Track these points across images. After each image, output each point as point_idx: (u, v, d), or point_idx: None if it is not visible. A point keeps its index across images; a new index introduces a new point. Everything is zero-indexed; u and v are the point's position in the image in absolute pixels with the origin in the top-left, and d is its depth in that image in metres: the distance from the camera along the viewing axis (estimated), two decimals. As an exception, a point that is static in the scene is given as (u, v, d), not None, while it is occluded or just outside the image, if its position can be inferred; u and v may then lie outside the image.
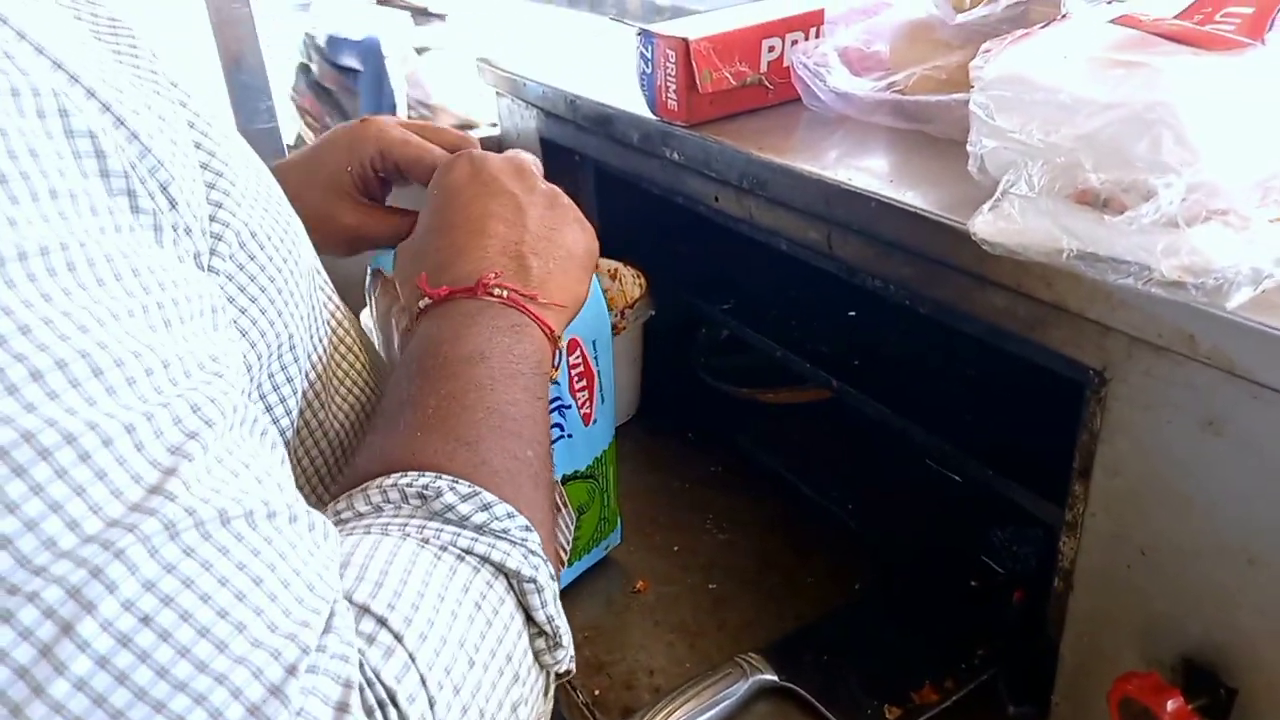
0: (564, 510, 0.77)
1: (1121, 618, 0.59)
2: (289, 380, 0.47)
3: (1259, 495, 0.49)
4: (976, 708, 0.67)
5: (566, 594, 0.79)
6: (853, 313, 0.96)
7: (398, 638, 0.35)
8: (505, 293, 0.53)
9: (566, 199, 0.62)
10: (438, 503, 0.41)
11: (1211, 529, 0.52)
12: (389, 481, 0.43)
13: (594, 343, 0.78)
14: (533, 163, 0.63)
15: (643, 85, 0.82)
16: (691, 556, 0.83)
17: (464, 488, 0.42)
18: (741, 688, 0.66)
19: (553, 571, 0.44)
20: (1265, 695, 0.52)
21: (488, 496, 0.42)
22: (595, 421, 0.78)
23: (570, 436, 0.76)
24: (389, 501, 0.42)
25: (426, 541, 0.40)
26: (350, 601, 0.36)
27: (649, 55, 0.79)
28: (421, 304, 0.53)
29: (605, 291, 1.07)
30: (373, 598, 0.36)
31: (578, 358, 0.77)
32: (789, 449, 0.98)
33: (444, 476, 0.43)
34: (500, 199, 0.58)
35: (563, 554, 0.77)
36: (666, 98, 0.80)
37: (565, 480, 0.76)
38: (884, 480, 0.94)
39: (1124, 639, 0.59)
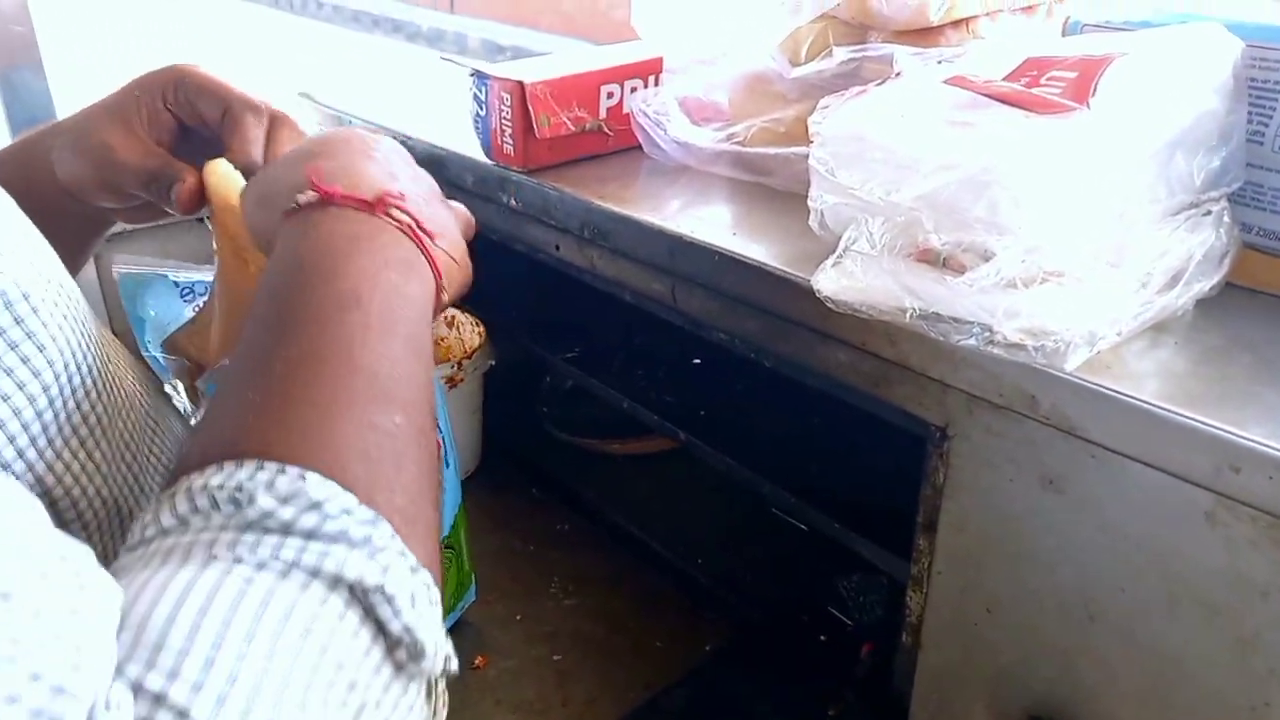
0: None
1: (970, 674, 0.59)
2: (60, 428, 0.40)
3: (1097, 552, 0.50)
4: (831, 771, 0.66)
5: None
6: (698, 361, 0.95)
7: (182, 715, 0.28)
8: (407, 218, 0.45)
9: None
10: (252, 509, 0.34)
11: (1053, 585, 0.52)
12: (199, 482, 0.35)
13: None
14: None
15: (477, 128, 0.78)
16: (535, 625, 0.78)
17: (285, 484, 0.34)
18: (588, 772, 0.62)
19: (415, 563, 0.36)
20: (1108, 749, 0.52)
21: (318, 491, 0.35)
22: (447, 492, 0.72)
23: None
24: (196, 511, 0.34)
25: (239, 562, 0.32)
26: (125, 679, 0.28)
27: (483, 98, 0.76)
28: (301, 199, 0.44)
29: (441, 341, 1.02)
30: (150, 667, 0.29)
31: None
32: (637, 502, 0.95)
33: (266, 466, 0.35)
34: (393, 150, 0.51)
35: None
36: (502, 142, 0.76)
37: None
38: (734, 532, 0.92)
39: (973, 695, 0.59)
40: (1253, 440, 0.41)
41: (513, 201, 0.78)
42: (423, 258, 0.45)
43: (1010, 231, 0.46)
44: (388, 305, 0.42)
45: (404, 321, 0.42)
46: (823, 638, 0.78)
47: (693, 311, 0.69)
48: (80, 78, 1.32)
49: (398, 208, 0.45)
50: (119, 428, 0.45)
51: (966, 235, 0.48)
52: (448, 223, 0.50)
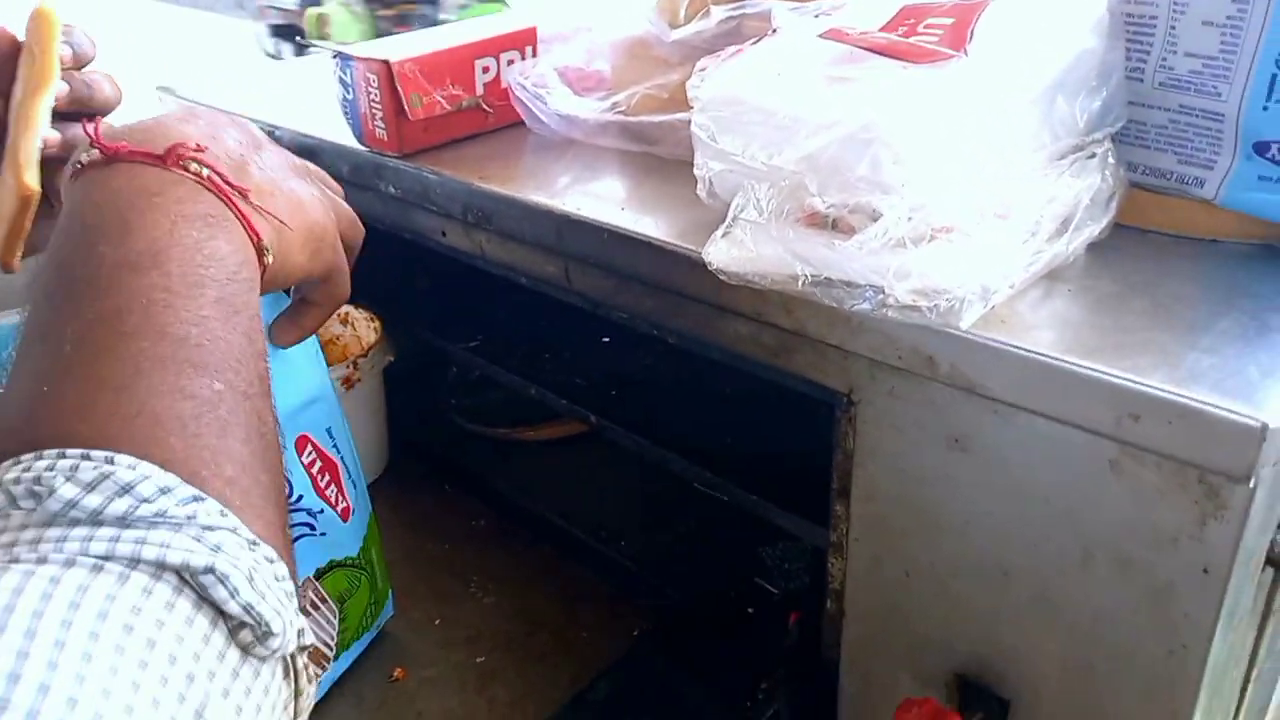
0: (324, 606, 0.67)
1: (894, 640, 0.58)
2: None
3: (1007, 510, 0.49)
4: (765, 749, 0.64)
5: (322, 698, 0.69)
6: (606, 339, 0.92)
7: None
8: (205, 171, 0.41)
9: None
10: (53, 501, 0.30)
11: (967, 547, 0.51)
12: None
13: (328, 430, 0.68)
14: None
15: (346, 113, 0.73)
16: (454, 629, 0.75)
17: (90, 470, 0.31)
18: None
19: (251, 537, 0.33)
20: (1034, 706, 0.52)
21: (128, 474, 0.31)
22: (354, 512, 0.68)
23: (325, 534, 0.66)
24: None
25: (43, 562, 0.29)
26: None
27: (348, 80, 0.71)
28: (83, 158, 0.41)
29: (337, 340, 0.98)
30: None
31: (311, 455, 0.66)
32: (553, 490, 0.93)
33: (68, 454, 0.32)
34: (228, 121, 0.46)
35: (326, 651, 0.66)
36: (374, 126, 0.72)
37: (323, 573, 0.66)
38: (655, 512, 0.90)
39: (898, 660, 0.58)
40: (1150, 386, 0.40)
41: (391, 189, 0.73)
42: (231, 214, 0.41)
43: (894, 189, 0.44)
44: (189, 263, 0.38)
45: (211, 282, 0.38)
46: (750, 610, 0.77)
47: (588, 291, 0.66)
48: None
49: (194, 160, 0.40)
50: None
51: (852, 196, 0.46)
52: (287, 188, 0.46)
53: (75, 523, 0.30)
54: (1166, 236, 0.53)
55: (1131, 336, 0.44)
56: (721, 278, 0.51)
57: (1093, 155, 0.50)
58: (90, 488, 0.31)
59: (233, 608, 0.32)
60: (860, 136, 0.44)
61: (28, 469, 0.31)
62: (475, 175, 0.69)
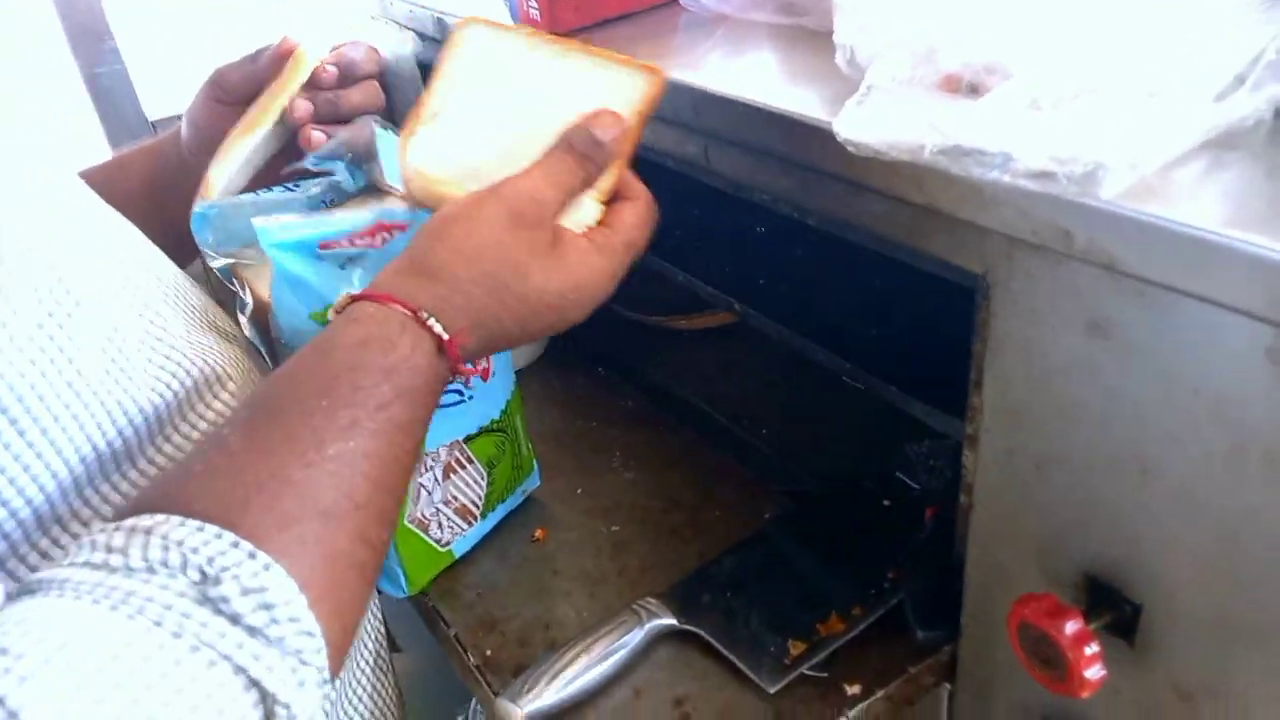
0: (470, 466, 0.72)
1: (1022, 535, 0.55)
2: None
3: (1148, 401, 0.45)
4: (887, 634, 0.64)
5: (470, 551, 0.75)
6: (761, 228, 0.91)
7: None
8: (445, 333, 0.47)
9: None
10: (215, 590, 0.36)
11: (1103, 439, 0.48)
12: (175, 533, 0.37)
13: None
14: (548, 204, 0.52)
15: (500, -6, 0.75)
16: (594, 499, 0.78)
17: (248, 576, 0.36)
18: (637, 635, 0.63)
19: (325, 676, 0.38)
20: (1167, 609, 0.49)
21: (272, 593, 0.37)
22: (495, 375, 0.73)
23: (470, 399, 0.70)
24: (166, 566, 0.36)
25: (177, 636, 0.35)
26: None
27: (502, -40, 0.72)
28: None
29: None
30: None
31: None
32: (700, 377, 0.94)
33: (241, 545, 0.37)
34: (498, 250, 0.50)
35: (473, 508, 0.72)
36: (528, 6, 0.73)
37: (471, 438, 0.71)
38: (800, 402, 0.90)
39: (1027, 557, 0.56)
40: (1312, 262, 0.36)
41: (542, 70, 0.74)
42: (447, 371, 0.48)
43: (1035, 49, 0.40)
44: (387, 438, 0.44)
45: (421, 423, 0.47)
46: (887, 503, 0.76)
47: (728, 172, 0.65)
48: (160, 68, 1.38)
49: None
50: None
51: (990, 56, 0.43)
52: (529, 329, 0.52)
53: (220, 613, 0.36)
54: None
55: (1304, 207, 0.39)
56: (850, 149, 0.49)
57: (1288, 4, 0.44)
58: (245, 593, 0.36)
59: None
60: (997, -14, 0.40)
61: (206, 543, 0.37)
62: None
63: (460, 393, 0.69)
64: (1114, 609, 0.51)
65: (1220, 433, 0.43)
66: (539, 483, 0.80)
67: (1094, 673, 0.48)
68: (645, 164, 0.74)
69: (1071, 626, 0.49)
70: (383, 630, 0.67)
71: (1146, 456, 0.47)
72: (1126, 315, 0.44)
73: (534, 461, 0.80)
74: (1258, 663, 0.46)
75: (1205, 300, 0.40)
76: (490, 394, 0.72)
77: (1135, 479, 0.48)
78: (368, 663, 0.62)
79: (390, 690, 0.65)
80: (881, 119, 0.48)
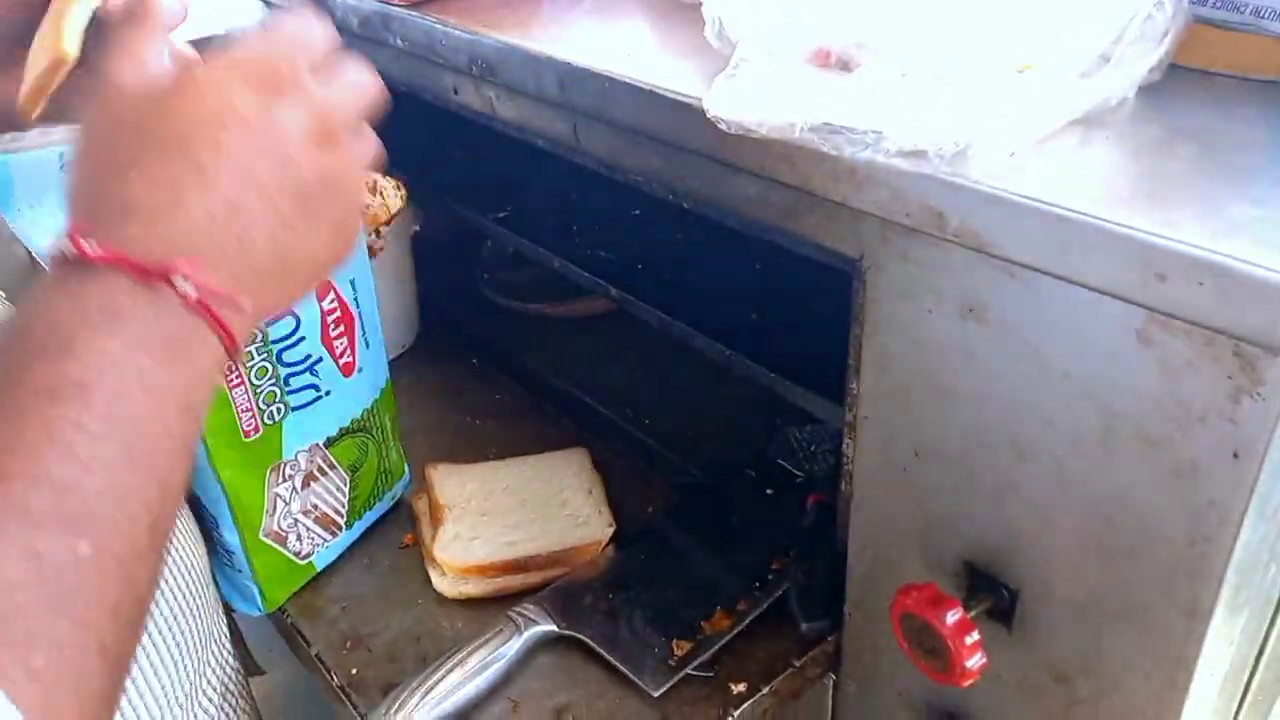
0: (331, 473, 0.67)
1: (902, 523, 0.55)
2: None
3: (1022, 384, 0.44)
4: (772, 627, 0.63)
5: (334, 562, 0.70)
6: (636, 212, 0.88)
7: None
8: (194, 293, 0.34)
9: (346, 131, 0.39)
10: None
11: (979, 424, 0.47)
12: None
13: (351, 282, 0.68)
14: (296, 62, 0.38)
15: (352, -39, 0.69)
16: (469, 499, 0.74)
17: None
18: (515, 644, 0.59)
19: None
20: (1043, 593, 0.49)
21: None
22: (360, 370, 0.68)
23: (328, 394, 0.65)
24: None
25: None
26: None
27: (351, -77, 0.67)
28: (65, 250, 0.34)
29: (367, 209, 0.96)
30: None
31: (332, 302, 0.66)
32: (580, 366, 0.91)
33: None
34: (243, 130, 0.36)
35: (336, 517, 0.67)
36: (377, -26, 0.68)
37: (333, 441, 0.66)
38: (682, 390, 0.88)
39: (908, 545, 0.55)
40: (1179, 242, 0.35)
41: (399, 41, 0.70)
42: (208, 328, 0.35)
43: (907, 21, 0.39)
44: (121, 398, 0.32)
45: (139, 420, 0.33)
46: (769, 492, 0.74)
47: (599, 152, 0.62)
48: None
49: (190, 279, 0.33)
50: None
51: (862, 32, 0.41)
52: (302, 255, 0.38)
53: None
54: (1233, 79, 0.46)
55: (1169, 186, 0.38)
56: (720, 127, 0.46)
57: (1149, -19, 0.43)
58: None
59: None
60: (864, -47, 0.38)
61: None
62: (484, 23, 0.65)
63: (314, 387, 0.64)
64: (993, 595, 0.51)
65: (1092, 414, 0.43)
66: (410, 485, 0.76)
67: (975, 662, 0.48)
68: (527, 148, 0.70)
69: (953, 616, 0.48)
70: (231, 657, 0.62)
71: (1021, 440, 0.46)
72: (999, 298, 0.43)
73: (404, 465, 0.75)
74: (1129, 641, 0.46)
75: (1075, 283, 0.40)
76: (353, 391, 0.67)
77: (1010, 463, 0.47)
78: (215, 691, 0.57)
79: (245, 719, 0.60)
80: (752, 95, 0.46)
